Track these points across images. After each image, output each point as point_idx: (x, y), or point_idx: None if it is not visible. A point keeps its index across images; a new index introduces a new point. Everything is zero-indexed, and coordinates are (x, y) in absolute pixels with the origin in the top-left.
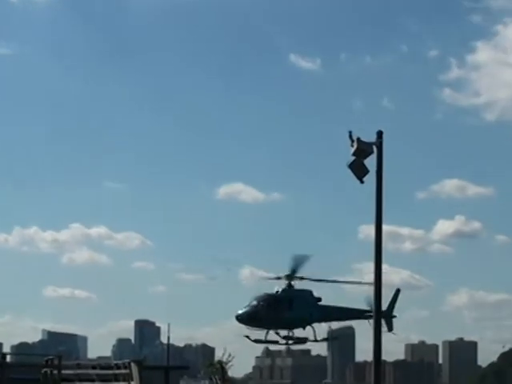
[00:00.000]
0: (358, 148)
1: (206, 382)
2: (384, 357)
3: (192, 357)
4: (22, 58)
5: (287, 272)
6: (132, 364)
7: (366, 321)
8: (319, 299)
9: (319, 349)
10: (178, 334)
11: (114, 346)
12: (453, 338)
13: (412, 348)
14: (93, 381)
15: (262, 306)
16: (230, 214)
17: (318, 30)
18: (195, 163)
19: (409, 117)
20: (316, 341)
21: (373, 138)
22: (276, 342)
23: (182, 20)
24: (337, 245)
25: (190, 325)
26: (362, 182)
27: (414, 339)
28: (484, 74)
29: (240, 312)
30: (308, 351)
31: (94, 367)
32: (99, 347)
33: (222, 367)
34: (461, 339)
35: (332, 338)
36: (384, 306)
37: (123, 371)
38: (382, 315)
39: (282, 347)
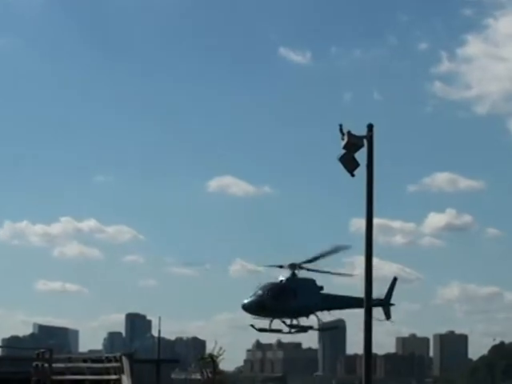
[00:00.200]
0: (348, 141)
1: (197, 375)
2: (375, 350)
3: (183, 350)
4: (9, 51)
5: (292, 261)
6: (123, 357)
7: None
8: (322, 288)
9: (310, 342)
10: (168, 327)
11: (105, 339)
12: (443, 331)
13: (403, 341)
14: (84, 374)
15: (268, 295)
16: (220, 207)
17: (308, 23)
18: (186, 156)
19: (399, 110)
20: (320, 329)
21: (363, 132)
22: (280, 331)
23: (169, 15)
24: (328, 238)
25: (181, 318)
26: (352, 175)
27: (405, 332)
28: (475, 67)
29: (246, 301)
30: (299, 344)
31: (85, 360)
32: (90, 341)
33: (212, 360)
34: (452, 332)
35: (334, 327)
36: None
37: (114, 364)
38: (380, 304)
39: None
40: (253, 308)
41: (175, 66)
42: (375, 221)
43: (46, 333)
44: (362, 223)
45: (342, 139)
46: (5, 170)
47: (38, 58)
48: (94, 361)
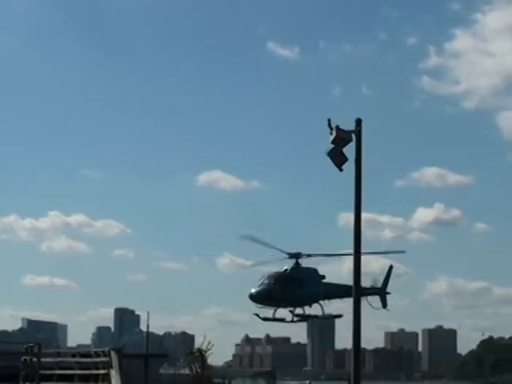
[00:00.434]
0: (336, 136)
1: (185, 370)
2: (364, 345)
3: (171, 345)
4: (6, 49)
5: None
6: (111, 352)
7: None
8: (323, 277)
9: (299, 337)
10: (157, 322)
11: (93, 334)
12: (432, 325)
13: (392, 336)
14: (72, 369)
15: (276, 285)
16: (209, 201)
17: (297, 17)
18: (175, 151)
19: (388, 105)
20: (324, 318)
21: (352, 126)
22: (283, 320)
23: (159, 10)
24: (316, 232)
25: (169, 313)
26: (341, 169)
27: (394, 327)
28: (463, 62)
29: (254, 291)
30: (288, 339)
31: (73, 355)
32: (79, 335)
33: (201, 355)
34: (440, 327)
35: (338, 315)
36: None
37: (103, 359)
38: (376, 292)
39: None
40: (261, 297)
41: (164, 63)
42: (364, 215)
43: (34, 327)
44: (350, 217)
45: (331, 134)
46: None
47: (31, 54)
48: (82, 355)
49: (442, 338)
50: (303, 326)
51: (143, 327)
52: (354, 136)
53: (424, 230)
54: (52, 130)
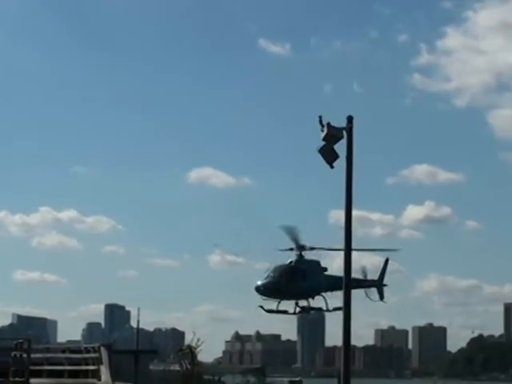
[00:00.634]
0: (328, 133)
1: (175, 367)
2: (354, 342)
3: (162, 341)
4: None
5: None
6: (102, 348)
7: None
8: (325, 269)
9: (289, 334)
10: (147, 318)
11: (83, 329)
12: (422, 323)
13: (382, 333)
14: (62, 364)
15: (282, 277)
16: (200, 198)
17: (288, 14)
18: (166, 147)
19: (379, 102)
20: (328, 310)
21: (343, 123)
22: (286, 312)
23: (149, 6)
24: (307, 229)
25: (160, 309)
26: (331, 167)
27: (384, 324)
28: (454, 60)
29: (260, 283)
30: (278, 336)
31: (63, 351)
32: (69, 331)
33: (191, 352)
34: (430, 325)
35: (340, 308)
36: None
37: (93, 355)
38: (374, 285)
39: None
40: (267, 290)
41: (154, 60)
42: (354, 212)
43: (24, 323)
44: (341, 215)
45: (322, 131)
46: None
47: (27, 52)
48: (72, 351)
49: (432, 335)
50: (293, 323)
51: (133, 323)
52: (345, 133)
53: (414, 228)
54: (43, 126)
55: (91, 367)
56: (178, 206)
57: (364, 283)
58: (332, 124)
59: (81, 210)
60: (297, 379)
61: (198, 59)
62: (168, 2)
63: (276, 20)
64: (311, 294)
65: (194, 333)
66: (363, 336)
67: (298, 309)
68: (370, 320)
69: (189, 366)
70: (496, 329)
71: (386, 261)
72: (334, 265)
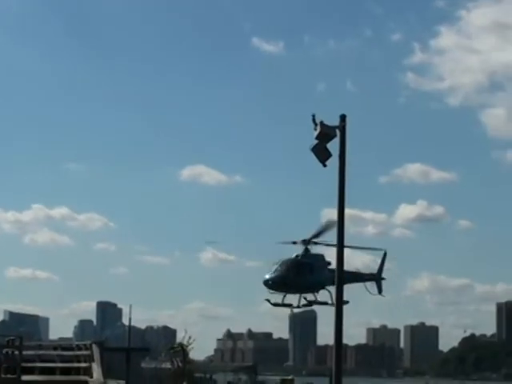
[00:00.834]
0: (321, 131)
1: (167, 364)
2: (345, 341)
3: (153, 339)
4: None
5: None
6: (93, 345)
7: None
8: (329, 263)
9: (281, 332)
10: (139, 315)
11: (75, 327)
12: (414, 322)
13: (374, 332)
14: (54, 362)
15: (290, 271)
16: (192, 195)
17: (281, 13)
18: (158, 145)
19: (372, 101)
20: (333, 304)
21: (336, 122)
22: (291, 305)
23: (143, 6)
24: (299, 228)
25: (151, 307)
26: (324, 165)
27: (376, 323)
28: (447, 59)
29: (269, 277)
30: (270, 334)
31: (55, 348)
32: (61, 328)
33: (183, 349)
34: (422, 324)
35: (345, 301)
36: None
37: (84, 352)
38: (373, 278)
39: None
40: (275, 284)
41: (149, 57)
42: (347, 211)
43: (16, 320)
44: (333, 213)
45: (315, 129)
46: None
47: (10, 47)
48: (64, 348)
49: (424, 334)
50: (285, 321)
51: (125, 321)
52: (338, 132)
53: (407, 227)
54: (35, 124)
55: (83, 364)
56: (170, 204)
57: (364, 277)
58: (325, 122)
59: (73, 208)
60: (289, 378)
61: (192, 58)
62: (162, 1)
63: (269, 18)
64: (317, 288)
65: (186, 330)
66: (355, 335)
67: (302, 302)
68: (361, 319)
69: (180, 364)
70: (488, 328)
71: (384, 255)
72: (333, 261)
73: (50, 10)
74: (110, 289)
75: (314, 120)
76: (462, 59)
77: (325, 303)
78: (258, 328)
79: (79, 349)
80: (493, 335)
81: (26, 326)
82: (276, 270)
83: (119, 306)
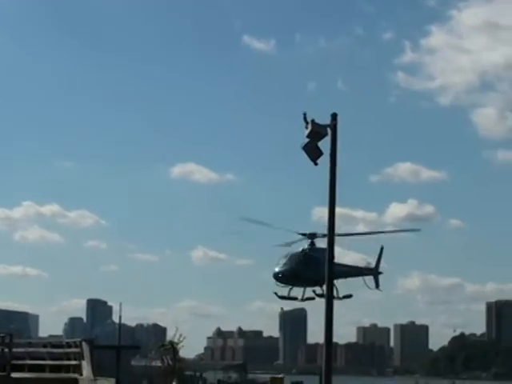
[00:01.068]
0: (312, 130)
1: (157, 362)
2: (336, 339)
3: (143, 336)
4: None
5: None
6: (83, 343)
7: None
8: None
9: (271, 330)
10: (129, 313)
11: (65, 324)
12: (404, 321)
13: (364, 331)
14: (44, 359)
15: (300, 264)
16: (183, 193)
17: (272, 10)
18: (149, 142)
19: (363, 99)
20: (339, 298)
21: (327, 120)
22: (296, 298)
23: (134, 4)
24: (290, 226)
25: (142, 304)
26: (315, 164)
27: (366, 322)
28: (438, 58)
29: (278, 270)
30: (260, 332)
31: (44, 346)
32: (51, 326)
33: (173, 347)
34: (412, 323)
35: (348, 295)
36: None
37: (74, 350)
38: (371, 273)
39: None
40: (285, 277)
41: (138, 52)
42: (337, 210)
43: (5, 317)
44: (324, 212)
45: (306, 128)
46: None
47: (14, 50)
48: (54, 346)
49: (414, 333)
50: (275, 319)
51: (115, 318)
52: (329, 130)
53: (397, 226)
54: (27, 121)
55: (73, 362)
56: (160, 202)
57: (363, 271)
58: (316, 121)
59: (63, 205)
60: (280, 376)
61: (182, 56)
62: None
63: (260, 16)
64: (323, 282)
65: (177, 328)
66: (345, 333)
67: (306, 295)
68: (352, 317)
69: (170, 362)
70: (478, 327)
71: (381, 249)
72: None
73: (47, 9)
74: (100, 286)
75: (305, 118)
76: (453, 59)
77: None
78: (248, 326)
79: (69, 346)
80: (482, 334)
81: (16, 324)
82: (286, 264)
83: (109, 303)
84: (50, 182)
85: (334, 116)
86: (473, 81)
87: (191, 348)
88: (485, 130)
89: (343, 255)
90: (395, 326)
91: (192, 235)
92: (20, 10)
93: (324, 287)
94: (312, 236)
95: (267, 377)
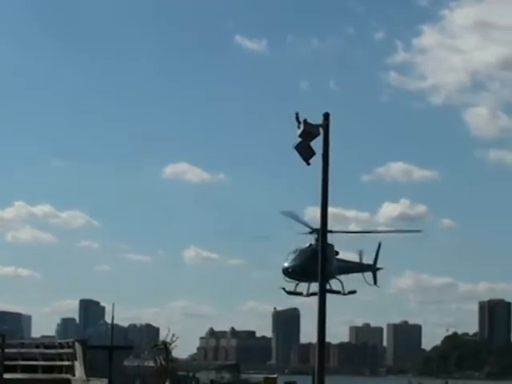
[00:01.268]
0: (304, 130)
1: (150, 363)
2: (329, 339)
3: (136, 337)
4: None
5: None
6: (76, 343)
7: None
8: (337, 253)
9: (264, 330)
10: (122, 313)
11: (58, 325)
12: (397, 321)
13: (356, 330)
14: (36, 360)
15: (310, 260)
16: (175, 193)
17: (264, 10)
18: (141, 142)
19: (355, 99)
20: (344, 293)
21: (319, 120)
22: (301, 294)
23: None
24: (282, 226)
25: (135, 305)
26: (308, 163)
27: (359, 322)
28: (430, 58)
29: (288, 265)
30: (253, 333)
31: (37, 346)
32: (43, 326)
33: (166, 348)
34: (405, 322)
35: (352, 291)
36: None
37: (67, 350)
38: (370, 269)
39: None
40: (295, 272)
41: (129, 52)
42: (330, 210)
43: None
44: (316, 212)
45: (298, 127)
46: None
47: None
48: (46, 346)
49: (407, 333)
50: (269, 319)
51: (108, 319)
52: (321, 130)
53: (390, 225)
54: (20, 120)
55: (65, 363)
56: (153, 202)
57: (363, 267)
58: (309, 121)
59: (55, 205)
60: (274, 376)
61: (174, 56)
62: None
63: (252, 16)
64: (329, 277)
65: (169, 329)
66: (338, 333)
67: (311, 291)
68: (344, 317)
69: (163, 362)
70: (470, 327)
71: (379, 245)
72: None
73: (32, 9)
74: (92, 287)
75: (297, 118)
76: (445, 58)
77: (338, 292)
78: (241, 326)
79: (62, 347)
80: (475, 334)
81: (8, 324)
82: (295, 259)
83: (102, 304)
84: (42, 183)
85: (326, 116)
86: (465, 80)
87: (184, 348)
88: (477, 129)
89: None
90: (388, 325)
91: (184, 235)
92: (7, 12)
93: (331, 282)
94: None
95: (260, 377)
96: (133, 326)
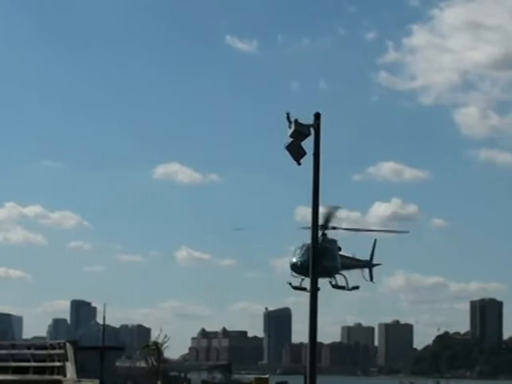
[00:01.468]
0: (295, 130)
1: (141, 363)
2: (320, 339)
3: (128, 337)
4: None
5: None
6: (67, 344)
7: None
8: (340, 249)
9: (256, 330)
10: (114, 314)
11: (49, 326)
12: (389, 320)
13: (348, 330)
14: (28, 361)
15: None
16: (166, 194)
17: (255, 11)
18: (132, 143)
19: (346, 99)
20: (349, 289)
21: (310, 120)
22: (305, 289)
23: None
24: (273, 226)
25: (126, 305)
26: (299, 163)
27: (350, 321)
28: (420, 58)
29: (296, 260)
30: (245, 333)
31: (28, 347)
32: (34, 327)
33: (157, 348)
34: (397, 322)
35: (355, 287)
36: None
37: (58, 351)
38: (367, 265)
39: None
40: (304, 268)
41: (119, 54)
42: (321, 209)
43: None
44: (307, 211)
45: (289, 127)
46: None
47: None
48: (37, 347)
49: (399, 332)
50: (260, 319)
51: (100, 319)
52: (312, 130)
53: (381, 225)
54: (10, 121)
55: (57, 364)
56: (144, 202)
57: (361, 263)
58: (299, 121)
59: (46, 206)
60: (266, 376)
61: (165, 55)
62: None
63: (243, 17)
64: (334, 272)
65: (161, 329)
66: (330, 333)
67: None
68: (336, 317)
69: (155, 363)
70: (462, 326)
71: (375, 242)
72: None
73: (24, 10)
74: (84, 287)
75: (288, 118)
76: (435, 58)
77: (342, 287)
78: (232, 326)
79: (53, 348)
80: (466, 333)
81: None
82: (303, 255)
83: (93, 304)
84: (33, 183)
85: (317, 116)
86: (455, 80)
87: (176, 349)
88: (467, 129)
89: None
90: (380, 325)
91: (176, 235)
92: (2, 14)
93: (337, 277)
94: (323, 227)
95: (252, 377)
96: (124, 327)
